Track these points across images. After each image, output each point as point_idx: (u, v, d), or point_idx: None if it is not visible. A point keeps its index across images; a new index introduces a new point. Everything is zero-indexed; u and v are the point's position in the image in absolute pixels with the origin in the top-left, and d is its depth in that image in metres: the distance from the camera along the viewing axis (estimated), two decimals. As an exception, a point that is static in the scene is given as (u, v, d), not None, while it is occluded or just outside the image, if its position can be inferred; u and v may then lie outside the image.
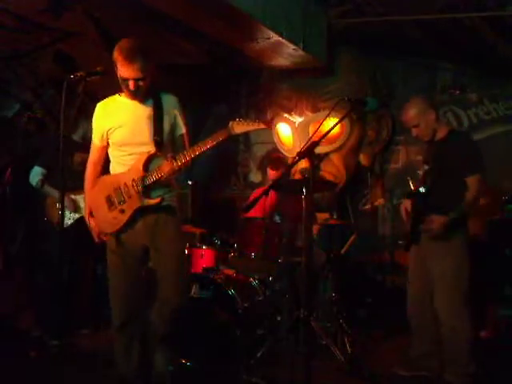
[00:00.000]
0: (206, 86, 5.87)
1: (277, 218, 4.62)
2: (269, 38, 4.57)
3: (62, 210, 3.71)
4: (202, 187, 5.98)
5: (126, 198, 2.79)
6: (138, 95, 2.78)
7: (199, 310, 3.68)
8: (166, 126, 2.81)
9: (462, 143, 3.35)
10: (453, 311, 3.25)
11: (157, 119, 2.79)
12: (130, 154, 2.82)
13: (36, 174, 4.29)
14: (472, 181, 3.20)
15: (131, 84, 2.70)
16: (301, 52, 4.88)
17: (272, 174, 4.87)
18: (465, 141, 3.42)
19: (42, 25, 4.39)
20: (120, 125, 2.82)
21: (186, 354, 3.58)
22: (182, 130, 2.89)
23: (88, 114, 4.21)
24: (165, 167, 2.70)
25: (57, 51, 4.82)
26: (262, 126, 2.68)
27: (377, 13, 4.69)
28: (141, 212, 2.80)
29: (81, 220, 4.14)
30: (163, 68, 5.37)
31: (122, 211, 2.80)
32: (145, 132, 2.79)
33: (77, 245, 4.17)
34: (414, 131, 3.43)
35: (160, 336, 2.85)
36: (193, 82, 5.69)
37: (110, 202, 2.83)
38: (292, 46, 4.76)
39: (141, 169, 2.76)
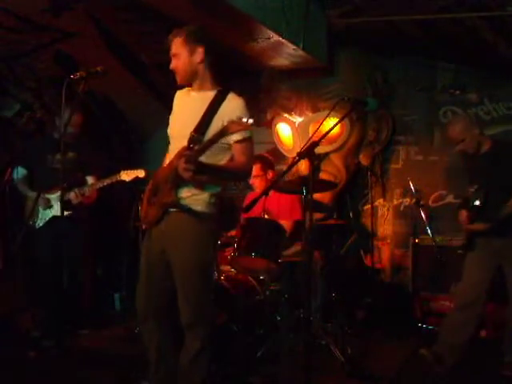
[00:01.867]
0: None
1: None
2: (269, 38, 4.57)
3: (64, 207, 3.73)
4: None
5: (158, 192, 2.68)
6: (177, 77, 2.69)
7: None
8: (214, 126, 2.58)
9: (508, 153, 3.57)
10: None
11: (206, 115, 2.61)
12: (176, 148, 2.66)
13: (16, 174, 4.26)
14: None
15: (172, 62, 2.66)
16: (301, 52, 4.88)
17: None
18: (508, 149, 3.63)
19: (42, 25, 4.38)
20: (174, 116, 2.77)
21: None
22: (232, 139, 2.59)
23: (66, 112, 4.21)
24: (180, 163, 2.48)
25: (57, 51, 4.82)
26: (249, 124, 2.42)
27: (377, 13, 4.69)
28: (167, 211, 2.64)
29: (54, 220, 4.17)
30: (163, 68, 5.38)
31: (153, 206, 2.69)
32: (190, 126, 2.62)
33: (56, 245, 4.12)
34: (461, 146, 3.62)
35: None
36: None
37: (151, 194, 2.73)
38: (292, 46, 4.75)
39: (174, 163, 2.57)
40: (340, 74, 5.55)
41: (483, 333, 4.37)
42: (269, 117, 6.01)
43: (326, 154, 5.43)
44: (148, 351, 2.78)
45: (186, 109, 2.74)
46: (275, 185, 3.76)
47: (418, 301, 4.76)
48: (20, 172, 4.31)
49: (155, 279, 2.72)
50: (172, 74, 2.76)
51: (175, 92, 2.87)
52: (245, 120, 2.37)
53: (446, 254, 4.69)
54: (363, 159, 5.59)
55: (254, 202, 2.80)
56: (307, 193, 3.32)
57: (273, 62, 5.27)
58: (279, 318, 4.02)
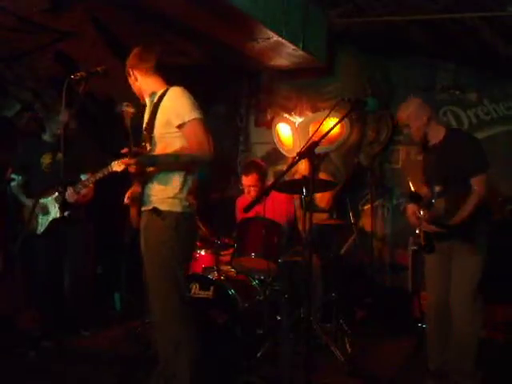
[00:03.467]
0: (206, 85, 5.87)
1: None
2: (269, 38, 4.57)
3: (62, 208, 3.73)
4: (201, 187, 5.97)
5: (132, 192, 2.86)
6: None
7: (199, 310, 3.68)
8: (159, 121, 2.78)
9: (461, 142, 3.29)
10: (466, 309, 3.21)
11: (152, 112, 2.82)
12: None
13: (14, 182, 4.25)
14: (476, 181, 3.13)
15: None
16: (301, 52, 4.88)
17: (244, 179, 4.51)
18: (465, 139, 3.38)
19: (42, 25, 4.38)
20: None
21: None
22: (177, 121, 2.73)
23: (56, 113, 4.22)
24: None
25: (57, 51, 4.82)
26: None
27: (377, 13, 4.69)
28: (142, 211, 2.81)
29: (53, 223, 4.11)
30: (163, 68, 5.37)
31: (131, 205, 2.85)
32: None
33: (57, 248, 4.10)
34: (408, 130, 3.44)
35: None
36: (192, 82, 5.67)
37: None
38: (292, 46, 4.75)
39: None
40: (340, 73, 5.55)
41: (483, 333, 4.37)
42: (269, 117, 6.01)
43: (326, 154, 5.43)
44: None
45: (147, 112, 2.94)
46: (275, 185, 3.76)
47: (418, 301, 4.76)
48: (16, 178, 4.26)
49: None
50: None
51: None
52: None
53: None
54: (363, 159, 5.60)
55: (254, 202, 2.80)
56: (307, 193, 3.32)
57: (273, 61, 5.27)
58: (279, 318, 4.02)
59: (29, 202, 4.14)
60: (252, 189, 4.43)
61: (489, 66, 5.11)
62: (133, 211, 2.82)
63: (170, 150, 2.74)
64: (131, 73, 2.92)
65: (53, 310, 4.16)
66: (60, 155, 4.14)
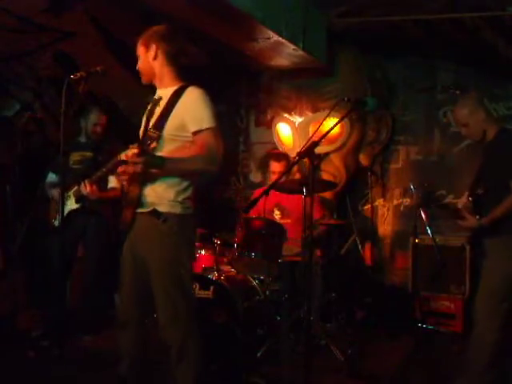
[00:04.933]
0: (206, 86, 5.86)
1: (277, 214, 4.61)
2: (269, 38, 4.57)
3: (62, 207, 3.73)
4: (201, 187, 5.98)
5: (127, 194, 2.69)
6: (141, 78, 2.73)
7: (199, 309, 3.68)
8: (172, 121, 2.59)
9: (508, 142, 3.15)
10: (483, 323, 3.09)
11: (164, 110, 2.61)
12: None
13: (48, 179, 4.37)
14: None
15: None
16: (301, 52, 4.88)
17: (275, 165, 4.63)
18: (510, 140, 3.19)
19: (42, 25, 4.38)
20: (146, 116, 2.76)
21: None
22: (194, 126, 2.57)
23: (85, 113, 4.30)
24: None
25: (57, 51, 4.82)
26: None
27: (377, 13, 4.69)
28: (137, 212, 2.64)
29: (69, 214, 4.19)
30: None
31: (125, 207, 2.69)
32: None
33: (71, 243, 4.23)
34: (464, 131, 3.29)
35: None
36: (192, 82, 5.67)
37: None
38: (292, 46, 4.75)
39: None
40: (340, 73, 5.55)
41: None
42: (269, 117, 6.01)
43: (326, 154, 5.43)
44: (125, 352, 2.77)
45: (156, 108, 2.70)
46: (275, 185, 3.76)
47: (418, 301, 4.76)
48: (51, 177, 4.37)
49: (136, 283, 2.70)
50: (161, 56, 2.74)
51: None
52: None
53: (445, 253, 4.70)
54: (363, 159, 5.59)
55: (254, 202, 2.80)
56: (307, 193, 3.32)
57: (273, 61, 5.27)
58: (279, 318, 4.02)
59: (56, 194, 4.21)
60: (279, 175, 4.43)
61: (489, 66, 5.11)
62: (126, 213, 2.66)
63: (178, 154, 2.58)
64: (152, 47, 2.66)
65: (56, 307, 4.17)
66: (89, 154, 4.32)
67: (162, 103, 2.66)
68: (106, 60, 4.83)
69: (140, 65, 2.72)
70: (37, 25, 4.37)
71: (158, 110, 2.65)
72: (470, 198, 3.19)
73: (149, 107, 2.72)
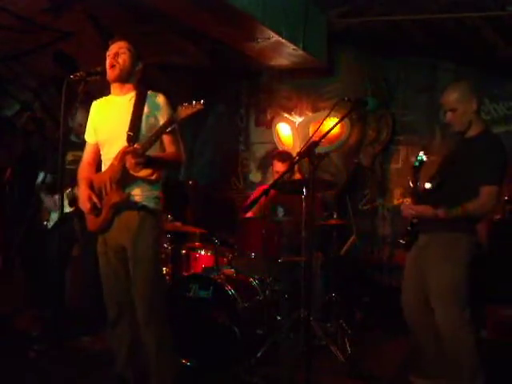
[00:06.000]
0: (206, 85, 5.87)
1: (280, 211, 4.59)
2: (269, 38, 4.57)
3: (62, 207, 3.71)
4: (202, 187, 5.98)
5: (104, 196, 2.79)
6: (113, 73, 2.79)
7: (199, 309, 3.68)
8: (146, 124, 2.76)
9: (490, 147, 2.99)
10: (451, 319, 3.02)
11: (135, 113, 2.76)
12: (111, 152, 2.81)
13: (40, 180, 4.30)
14: (485, 190, 2.90)
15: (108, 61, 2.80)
16: (301, 52, 4.88)
17: (279, 165, 4.62)
18: (494, 146, 3.02)
19: (42, 25, 4.38)
20: (99, 123, 2.88)
21: (186, 354, 3.58)
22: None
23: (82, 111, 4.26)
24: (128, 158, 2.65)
25: (57, 51, 4.82)
26: (199, 106, 2.57)
27: (377, 13, 4.69)
28: (117, 211, 2.76)
29: (64, 218, 4.11)
30: (163, 68, 5.38)
31: (100, 209, 2.79)
32: (121, 127, 2.76)
33: (65, 245, 4.16)
34: (449, 116, 3.09)
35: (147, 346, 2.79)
36: (193, 82, 5.69)
37: (96, 200, 2.82)
38: (292, 46, 4.76)
39: (115, 165, 2.74)
40: (340, 74, 5.55)
41: (483, 333, 4.37)
42: (269, 117, 6.02)
43: (326, 154, 5.43)
44: (118, 351, 2.90)
45: (112, 113, 2.85)
46: (275, 185, 3.76)
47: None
48: (46, 178, 4.30)
49: (119, 279, 2.84)
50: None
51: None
52: (194, 103, 2.53)
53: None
54: (363, 159, 5.59)
55: (254, 202, 2.80)
56: (307, 193, 3.32)
57: (273, 61, 5.27)
58: (279, 318, 4.02)
59: (47, 199, 4.18)
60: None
61: (489, 66, 5.11)
62: (102, 216, 2.78)
63: (152, 152, 2.73)
64: (131, 51, 2.82)
65: (54, 309, 4.16)
66: (80, 153, 4.23)
67: (128, 108, 2.79)
68: (105, 60, 4.82)
69: (121, 62, 2.81)
70: (37, 25, 4.37)
71: (125, 114, 2.78)
72: (430, 186, 3.08)
73: (100, 114, 2.92)
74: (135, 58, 2.84)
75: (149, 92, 2.84)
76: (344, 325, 4.24)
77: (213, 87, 6.05)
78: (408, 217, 3.15)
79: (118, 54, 2.80)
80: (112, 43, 2.86)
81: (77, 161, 4.21)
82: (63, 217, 4.15)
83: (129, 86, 2.85)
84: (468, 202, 2.92)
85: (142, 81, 2.91)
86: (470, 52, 5.02)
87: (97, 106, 2.95)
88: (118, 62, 2.79)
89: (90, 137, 2.97)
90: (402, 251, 3.47)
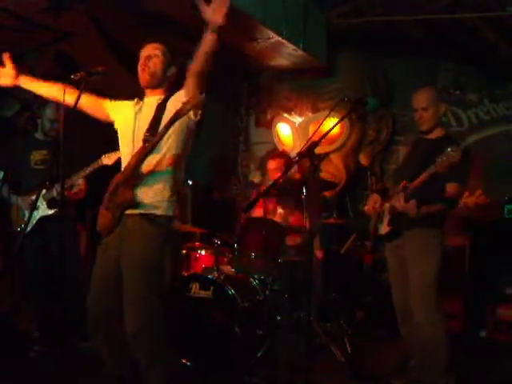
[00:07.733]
0: (206, 85, 5.86)
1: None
2: (269, 38, 4.57)
3: (50, 205, 3.65)
4: (202, 187, 5.99)
5: (114, 195, 2.65)
6: (146, 77, 2.73)
7: (199, 309, 3.68)
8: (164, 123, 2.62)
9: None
10: (428, 315, 3.11)
11: (156, 114, 2.67)
12: (129, 152, 2.69)
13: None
14: (452, 186, 3.09)
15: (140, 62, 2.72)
16: (301, 52, 4.88)
17: (270, 163, 4.54)
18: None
19: (42, 25, 4.38)
20: (125, 121, 2.78)
21: (186, 354, 3.58)
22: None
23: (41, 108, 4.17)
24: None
25: (57, 51, 4.82)
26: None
27: (377, 13, 4.70)
28: (124, 215, 2.61)
29: (42, 221, 3.97)
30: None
31: (108, 209, 2.66)
32: (142, 129, 2.67)
33: (46, 248, 4.06)
34: (419, 114, 3.27)
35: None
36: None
37: (110, 197, 2.68)
38: (292, 46, 4.76)
39: (127, 167, 2.63)
40: (340, 73, 5.55)
41: (483, 333, 4.37)
42: (269, 117, 6.02)
43: (326, 154, 5.43)
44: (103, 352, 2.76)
45: (140, 114, 2.75)
46: (274, 185, 3.76)
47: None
48: (5, 177, 4.10)
49: (113, 288, 2.61)
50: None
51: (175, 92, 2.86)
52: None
53: (445, 253, 4.68)
54: (363, 159, 5.60)
55: (254, 202, 2.80)
56: (307, 193, 3.32)
57: (273, 61, 5.27)
58: (279, 318, 4.02)
59: (15, 200, 4.01)
60: (276, 173, 4.40)
61: (489, 66, 5.11)
62: (111, 215, 2.63)
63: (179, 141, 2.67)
64: (165, 55, 2.76)
65: (45, 312, 4.15)
66: (48, 152, 4.09)
67: (153, 109, 2.70)
68: (106, 60, 4.83)
69: (153, 66, 2.74)
70: (37, 25, 4.37)
71: (149, 115, 2.70)
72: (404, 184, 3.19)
73: (128, 116, 2.78)
74: (167, 63, 2.76)
75: (175, 92, 2.73)
76: (344, 325, 4.24)
77: (213, 87, 6.04)
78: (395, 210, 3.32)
79: (150, 57, 2.72)
80: (147, 43, 2.77)
81: (45, 160, 4.07)
82: (40, 221, 3.98)
83: (159, 90, 2.77)
84: (439, 199, 3.07)
85: (176, 84, 2.81)
86: (470, 52, 5.02)
87: (127, 106, 2.85)
88: (149, 66, 2.71)
89: (107, 103, 2.88)
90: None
